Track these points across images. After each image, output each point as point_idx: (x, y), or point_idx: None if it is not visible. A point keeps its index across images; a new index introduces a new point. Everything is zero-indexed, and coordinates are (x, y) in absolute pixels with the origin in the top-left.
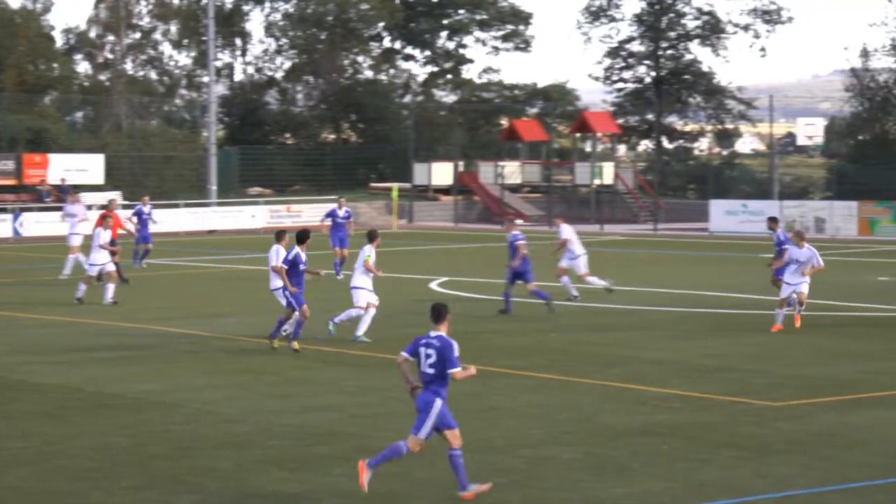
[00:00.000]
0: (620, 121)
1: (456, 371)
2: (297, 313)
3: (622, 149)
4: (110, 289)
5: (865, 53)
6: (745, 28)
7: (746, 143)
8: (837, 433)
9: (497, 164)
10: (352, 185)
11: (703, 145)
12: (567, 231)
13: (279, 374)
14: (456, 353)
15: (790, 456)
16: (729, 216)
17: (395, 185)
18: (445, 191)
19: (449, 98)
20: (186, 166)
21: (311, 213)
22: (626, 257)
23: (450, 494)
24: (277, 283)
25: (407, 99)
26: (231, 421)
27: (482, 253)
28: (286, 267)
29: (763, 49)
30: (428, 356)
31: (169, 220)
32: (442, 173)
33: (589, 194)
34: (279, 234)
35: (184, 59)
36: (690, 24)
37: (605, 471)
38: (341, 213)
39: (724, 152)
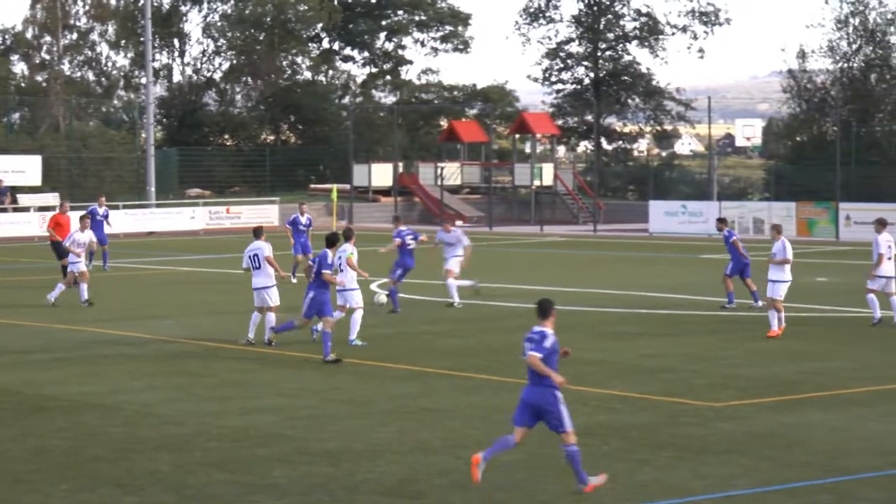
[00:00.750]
0: (560, 122)
1: (533, 354)
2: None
3: (562, 150)
4: (84, 288)
5: (803, 55)
6: (684, 29)
7: (685, 145)
8: (777, 434)
9: (437, 166)
10: (291, 186)
11: (642, 146)
12: (457, 234)
13: (218, 376)
14: (547, 343)
15: (730, 456)
16: (668, 217)
17: (334, 187)
18: (385, 192)
19: (388, 99)
20: (125, 168)
21: (250, 214)
22: (566, 258)
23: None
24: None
25: (346, 100)
26: (170, 423)
27: (422, 254)
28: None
29: (701, 50)
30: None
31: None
32: (382, 174)
33: (529, 195)
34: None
35: (122, 59)
36: (629, 25)
37: (546, 471)
38: (303, 219)
39: (664, 153)
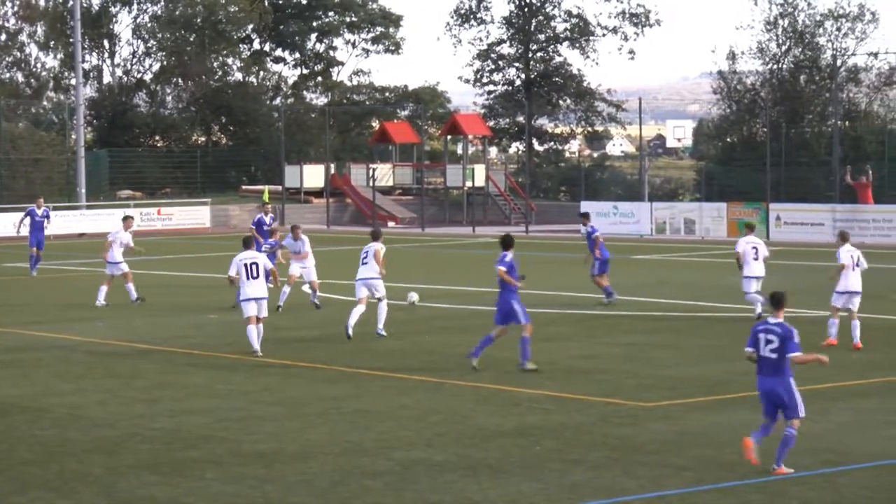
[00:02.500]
0: (491, 123)
1: (797, 355)
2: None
3: (493, 151)
4: (131, 287)
5: (732, 56)
6: (614, 31)
7: (616, 146)
8: (708, 433)
9: (369, 167)
10: (223, 187)
11: (573, 147)
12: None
13: (148, 378)
14: (796, 339)
15: (662, 456)
16: (600, 218)
17: (266, 188)
18: (317, 193)
19: (320, 100)
20: (55, 169)
21: (182, 216)
22: None
23: (326, 496)
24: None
25: (277, 101)
26: (101, 425)
27: (354, 255)
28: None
29: (632, 52)
30: (769, 342)
31: None
32: (313, 176)
33: (461, 196)
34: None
35: (51, 61)
36: (560, 26)
37: (478, 472)
38: (267, 219)
39: (595, 154)
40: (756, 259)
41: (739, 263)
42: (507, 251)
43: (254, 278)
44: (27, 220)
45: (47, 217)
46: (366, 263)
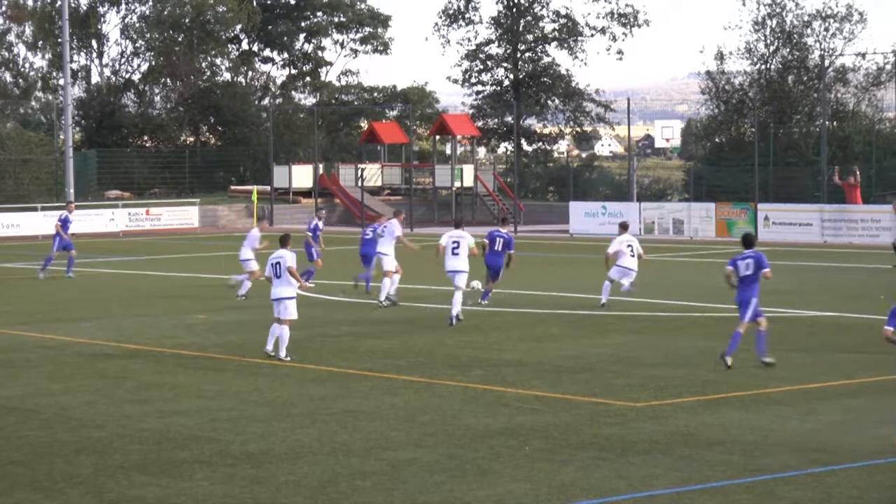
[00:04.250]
0: (479, 123)
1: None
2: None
3: (482, 151)
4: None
5: (721, 56)
6: (602, 31)
7: (605, 146)
8: (697, 433)
9: (357, 167)
10: (211, 187)
11: (562, 148)
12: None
13: (137, 378)
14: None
15: (651, 456)
16: (588, 218)
17: (254, 188)
18: (306, 193)
19: (308, 101)
20: (43, 169)
21: (170, 216)
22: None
23: (316, 498)
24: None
25: (266, 101)
26: (90, 426)
27: (343, 255)
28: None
29: (620, 52)
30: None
31: (26, 223)
32: (302, 176)
33: (449, 197)
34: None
35: (39, 61)
36: (548, 27)
37: (467, 473)
38: (321, 224)
39: (583, 155)
40: (632, 256)
41: (609, 263)
42: None
43: (277, 278)
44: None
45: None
46: (455, 254)
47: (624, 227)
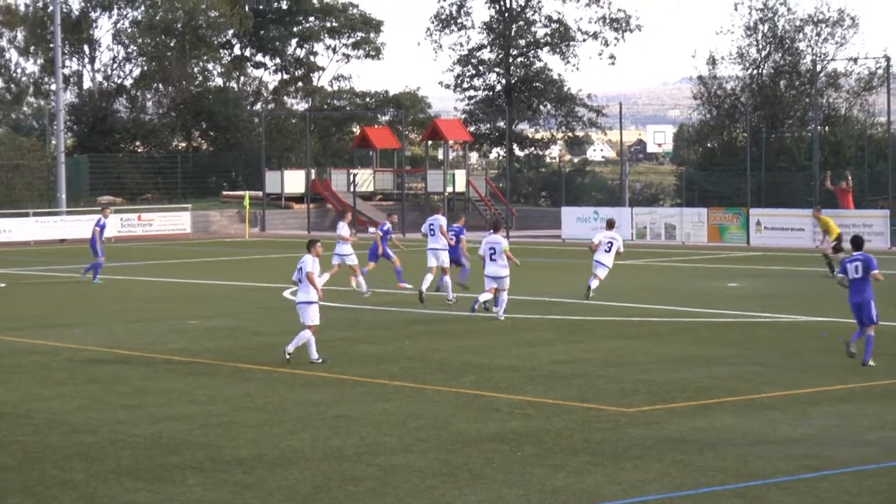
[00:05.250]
0: (472, 128)
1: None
2: None
3: (474, 156)
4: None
5: (713, 61)
6: (595, 36)
7: (597, 151)
8: (689, 438)
9: (349, 172)
10: (203, 193)
11: (554, 153)
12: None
13: (129, 383)
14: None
15: (643, 461)
16: (580, 223)
17: (246, 194)
18: (298, 199)
19: (300, 106)
20: (35, 175)
21: (162, 221)
22: (477, 265)
23: None
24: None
25: (258, 107)
26: (82, 431)
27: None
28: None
29: (612, 57)
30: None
31: (18, 229)
32: (294, 181)
33: (441, 202)
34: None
35: (31, 66)
36: (540, 31)
37: (459, 478)
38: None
39: (576, 159)
40: (608, 252)
41: (592, 250)
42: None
43: (299, 282)
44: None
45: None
46: (493, 260)
47: (609, 225)
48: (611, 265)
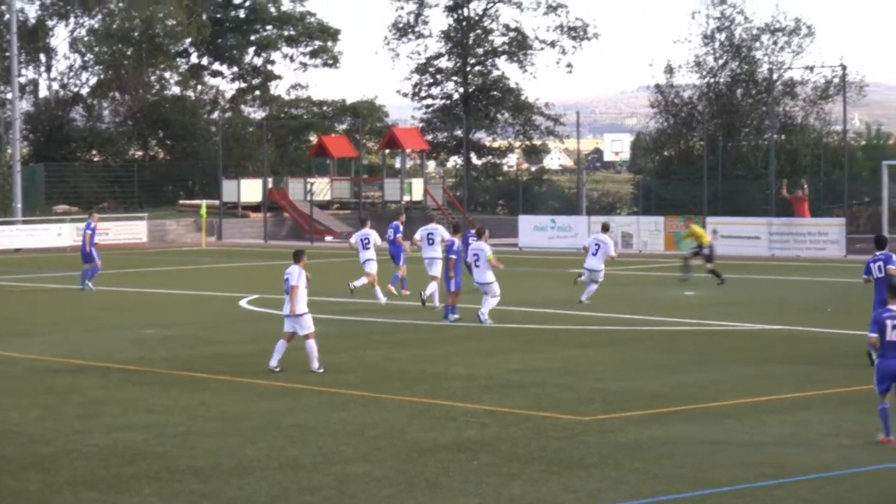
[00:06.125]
0: (429, 137)
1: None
2: None
3: (431, 165)
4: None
5: (670, 70)
6: (552, 44)
7: (554, 159)
8: (646, 447)
9: (306, 181)
10: (160, 202)
11: (511, 161)
12: None
13: (85, 393)
14: None
15: (599, 470)
16: (538, 232)
17: (203, 203)
18: (255, 208)
19: (257, 114)
20: None
21: (118, 230)
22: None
23: None
24: None
25: (215, 115)
26: (38, 442)
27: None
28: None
29: (570, 65)
30: (895, 327)
31: None
32: (251, 190)
33: (399, 211)
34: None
35: None
36: (497, 40)
37: (415, 487)
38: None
39: (533, 168)
40: (595, 255)
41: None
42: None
43: (286, 293)
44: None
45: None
46: (477, 266)
47: (604, 228)
48: (599, 268)
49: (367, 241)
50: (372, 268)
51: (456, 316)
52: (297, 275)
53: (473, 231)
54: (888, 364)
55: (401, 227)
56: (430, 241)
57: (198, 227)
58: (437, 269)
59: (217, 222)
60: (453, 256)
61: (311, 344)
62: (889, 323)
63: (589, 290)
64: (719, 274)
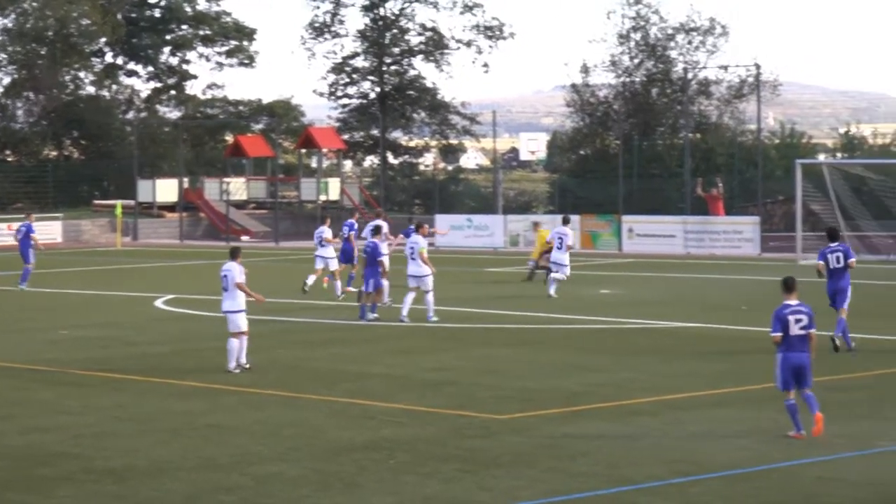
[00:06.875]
0: (346, 136)
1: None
2: None
3: (348, 164)
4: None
5: (586, 69)
6: (468, 44)
7: (471, 159)
8: (562, 445)
9: (222, 181)
10: (75, 202)
11: (428, 160)
12: None
13: None
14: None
15: (515, 468)
16: (454, 231)
17: (119, 203)
18: (170, 208)
19: (173, 114)
20: None
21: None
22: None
23: None
24: None
25: (130, 115)
26: None
27: (208, 270)
28: None
29: (486, 65)
30: (799, 321)
31: None
32: (167, 190)
33: (315, 210)
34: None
35: None
36: (414, 39)
37: (331, 486)
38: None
39: (449, 167)
40: (559, 248)
41: (550, 247)
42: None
43: (224, 290)
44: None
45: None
46: (413, 259)
47: (565, 221)
48: (565, 262)
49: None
50: (328, 265)
51: (375, 315)
52: (238, 271)
53: (413, 225)
54: (793, 359)
55: (356, 225)
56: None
57: (113, 228)
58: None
59: (132, 222)
60: (364, 256)
61: (236, 343)
62: (792, 318)
63: (552, 282)
64: (536, 269)
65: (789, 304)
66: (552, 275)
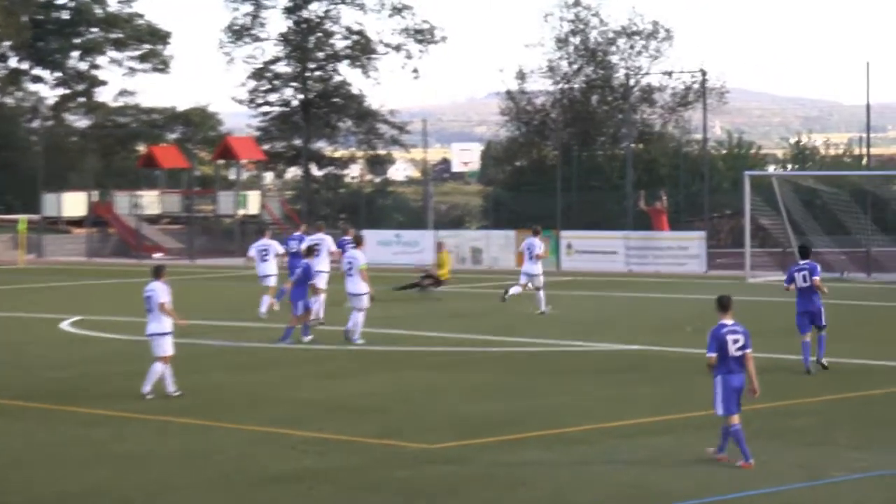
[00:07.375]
0: (266, 146)
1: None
2: None
3: (269, 176)
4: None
5: (522, 75)
6: (397, 48)
7: (399, 170)
8: (498, 475)
9: (134, 194)
10: None
11: (354, 172)
12: None
13: None
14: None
15: (445, 500)
16: (382, 247)
17: (22, 217)
18: (78, 222)
19: (81, 122)
20: None
21: None
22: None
23: None
24: None
25: (35, 123)
26: None
27: (118, 289)
28: None
29: (416, 70)
30: (736, 341)
31: None
32: (74, 204)
33: (233, 225)
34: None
35: None
36: (339, 44)
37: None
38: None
39: (377, 179)
40: (530, 259)
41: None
42: None
43: (148, 311)
44: None
45: None
46: (350, 275)
47: (535, 233)
48: (537, 272)
49: (265, 252)
50: (272, 283)
51: (310, 337)
52: (162, 290)
53: (350, 237)
54: (733, 380)
55: (304, 238)
56: (317, 254)
57: (16, 244)
58: (322, 282)
59: (37, 238)
60: (292, 278)
61: (160, 368)
62: (730, 339)
63: (539, 299)
64: (413, 286)
65: (725, 324)
66: (512, 290)
